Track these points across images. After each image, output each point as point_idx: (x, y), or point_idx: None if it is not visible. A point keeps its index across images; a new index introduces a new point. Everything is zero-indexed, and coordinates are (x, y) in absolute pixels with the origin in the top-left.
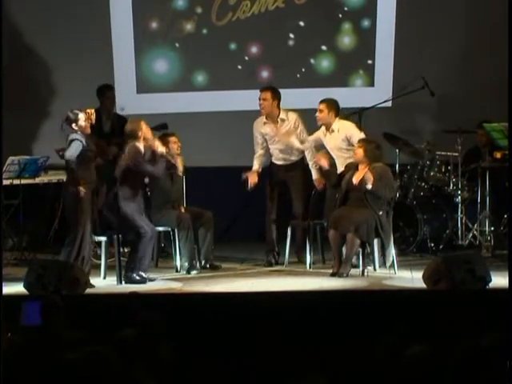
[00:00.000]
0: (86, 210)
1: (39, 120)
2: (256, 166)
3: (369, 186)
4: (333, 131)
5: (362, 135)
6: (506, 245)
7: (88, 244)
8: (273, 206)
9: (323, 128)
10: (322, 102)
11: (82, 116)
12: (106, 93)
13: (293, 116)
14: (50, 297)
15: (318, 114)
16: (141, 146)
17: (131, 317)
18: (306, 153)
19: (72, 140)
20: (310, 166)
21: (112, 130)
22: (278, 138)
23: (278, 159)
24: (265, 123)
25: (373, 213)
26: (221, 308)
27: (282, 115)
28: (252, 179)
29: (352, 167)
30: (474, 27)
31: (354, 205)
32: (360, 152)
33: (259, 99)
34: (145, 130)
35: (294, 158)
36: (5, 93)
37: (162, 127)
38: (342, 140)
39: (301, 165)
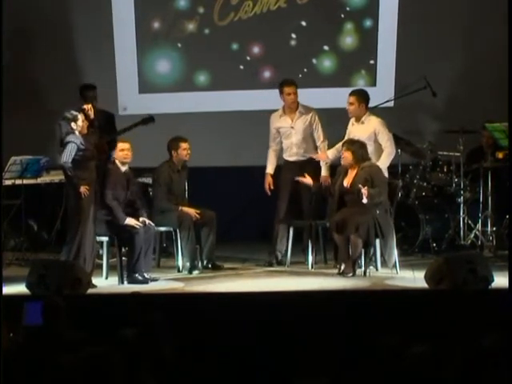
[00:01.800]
0: (86, 210)
1: (41, 120)
2: (269, 169)
3: (364, 201)
4: (362, 123)
5: (390, 135)
6: (507, 245)
7: (90, 244)
8: (283, 206)
9: (352, 119)
10: (351, 94)
11: (80, 116)
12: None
13: (311, 111)
14: (51, 297)
15: (348, 107)
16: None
17: (133, 317)
18: (319, 149)
19: (67, 143)
20: (321, 162)
21: (99, 127)
22: (295, 130)
23: (291, 155)
24: (281, 116)
25: (372, 213)
26: (222, 308)
27: (301, 109)
28: (267, 182)
29: (342, 171)
30: (476, 27)
31: (352, 207)
32: (348, 155)
33: (288, 94)
34: (117, 153)
35: (307, 155)
36: (6, 93)
37: (148, 120)
38: (368, 134)
39: (313, 163)
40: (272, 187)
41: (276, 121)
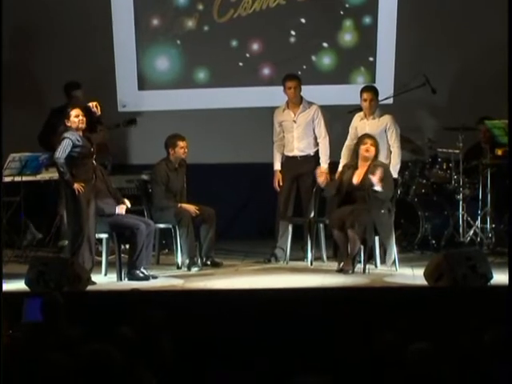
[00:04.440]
0: (84, 207)
1: (41, 117)
2: (277, 165)
3: (378, 188)
4: (374, 118)
5: (398, 132)
6: (507, 242)
7: (90, 241)
8: (283, 202)
9: (360, 114)
10: (369, 90)
11: (73, 112)
12: (66, 91)
13: (314, 106)
14: (51, 294)
15: (368, 103)
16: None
17: (132, 314)
18: (321, 145)
19: (62, 139)
20: (320, 159)
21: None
22: (297, 124)
23: (291, 150)
24: (284, 110)
25: (373, 211)
26: (222, 305)
27: (304, 103)
28: (277, 179)
29: (350, 167)
30: (476, 23)
31: (362, 203)
32: (373, 150)
33: (289, 88)
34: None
35: (308, 151)
36: (6, 90)
37: (130, 122)
38: (381, 129)
39: (314, 161)
40: (282, 183)
41: (279, 115)
